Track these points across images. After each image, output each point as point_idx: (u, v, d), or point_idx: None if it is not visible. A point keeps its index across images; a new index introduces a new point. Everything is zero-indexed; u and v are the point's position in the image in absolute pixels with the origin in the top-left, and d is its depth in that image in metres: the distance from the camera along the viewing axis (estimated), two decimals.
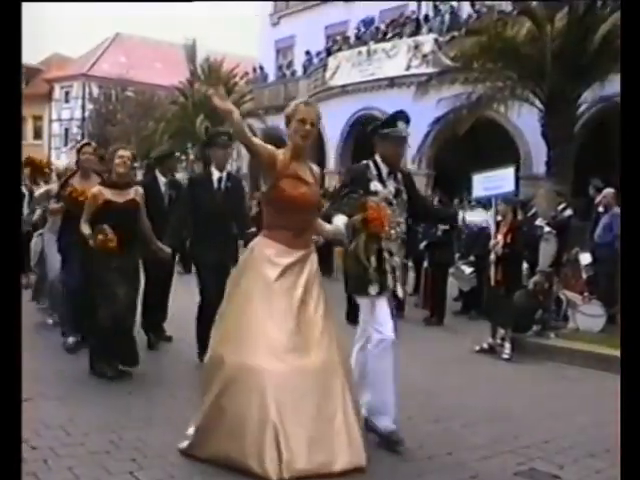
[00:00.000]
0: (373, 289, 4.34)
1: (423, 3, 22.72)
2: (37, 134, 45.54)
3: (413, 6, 23.24)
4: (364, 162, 4.67)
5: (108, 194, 5.81)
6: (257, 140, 4.09)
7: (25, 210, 11.66)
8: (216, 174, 6.39)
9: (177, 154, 8.91)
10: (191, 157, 27.78)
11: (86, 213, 5.80)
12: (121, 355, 5.85)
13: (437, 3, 21.73)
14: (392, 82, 20.42)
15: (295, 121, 4.05)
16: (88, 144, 7.27)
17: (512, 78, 13.35)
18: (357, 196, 4.30)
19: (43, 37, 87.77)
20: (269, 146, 4.08)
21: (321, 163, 24.61)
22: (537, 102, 13.31)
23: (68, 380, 5.65)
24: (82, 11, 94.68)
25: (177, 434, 4.40)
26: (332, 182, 20.27)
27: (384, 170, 4.59)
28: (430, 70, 16.74)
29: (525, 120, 15.48)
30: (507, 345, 7.71)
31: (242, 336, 3.84)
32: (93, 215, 5.79)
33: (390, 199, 4.52)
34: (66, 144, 40.43)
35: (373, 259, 4.27)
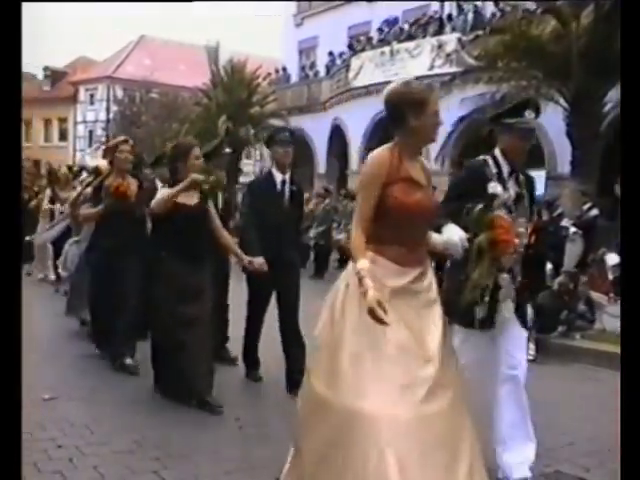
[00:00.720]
0: (484, 323, 3.83)
1: (446, 2, 22.59)
2: (62, 136, 46.03)
3: (436, 6, 23.12)
4: (481, 157, 4.01)
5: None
6: None
7: (43, 226, 11.37)
8: (279, 176, 5.69)
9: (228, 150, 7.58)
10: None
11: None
12: (198, 386, 5.08)
13: (461, 2, 21.60)
14: None
15: (430, 111, 3.34)
16: (125, 141, 6.48)
17: (537, 77, 13.23)
18: (479, 208, 3.61)
19: (68, 40, 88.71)
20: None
21: (344, 164, 24.60)
22: (562, 101, 13.18)
23: (93, 380, 5.69)
24: (106, 12, 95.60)
25: (201, 433, 4.43)
26: (354, 184, 20.22)
27: (505, 168, 3.96)
28: (453, 70, 16.64)
29: (549, 119, 15.28)
30: (531, 346, 7.63)
31: (351, 375, 3.05)
32: (160, 222, 5.23)
33: (510, 204, 3.92)
34: (90, 145, 40.79)
35: (490, 286, 3.71)
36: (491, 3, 19.78)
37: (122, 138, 6.69)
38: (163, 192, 5.21)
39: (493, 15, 19.34)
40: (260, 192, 5.77)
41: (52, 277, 11.06)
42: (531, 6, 14.50)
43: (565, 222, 8.69)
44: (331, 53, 28.00)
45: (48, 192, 10.30)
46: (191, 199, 5.19)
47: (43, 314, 8.58)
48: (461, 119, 15.28)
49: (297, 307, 5.62)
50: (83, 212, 6.48)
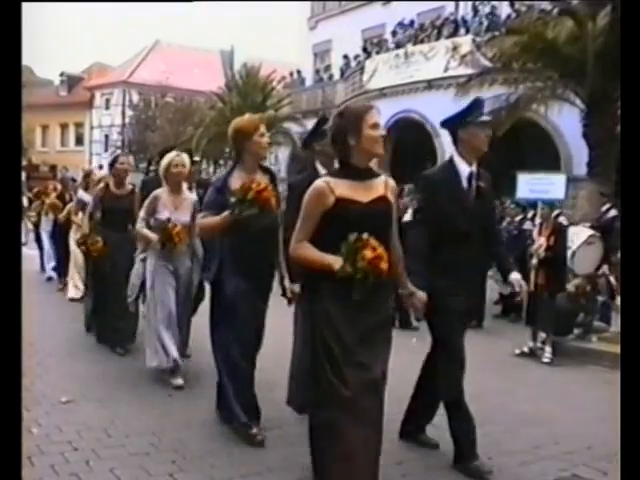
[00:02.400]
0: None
1: (461, 4, 22.53)
2: (78, 140, 46.32)
3: (451, 8, 23.07)
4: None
5: (344, 189, 3.33)
6: None
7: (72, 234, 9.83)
8: (465, 169, 4.23)
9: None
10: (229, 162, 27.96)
11: (306, 226, 3.38)
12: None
13: (476, 4, 21.53)
14: (430, 84, 20.30)
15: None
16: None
17: (553, 78, 13.15)
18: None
19: (85, 45, 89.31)
20: None
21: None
22: (578, 102, 13.09)
23: (109, 382, 5.71)
24: (121, 17, 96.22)
25: (216, 436, 4.44)
26: None
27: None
28: (469, 71, 16.59)
29: (566, 120, 15.25)
30: (548, 349, 7.60)
31: None
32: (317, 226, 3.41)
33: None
34: (106, 150, 41.01)
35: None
36: (507, 4, 19.70)
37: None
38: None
39: (508, 16, 19.26)
40: (442, 189, 4.25)
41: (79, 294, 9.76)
42: (547, 7, 14.42)
43: (582, 225, 8.64)
44: (345, 56, 28.01)
45: (82, 195, 9.06)
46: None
47: (59, 317, 8.62)
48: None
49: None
50: (203, 222, 4.54)
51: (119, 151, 36.08)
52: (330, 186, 3.32)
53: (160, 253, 5.73)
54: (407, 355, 4.57)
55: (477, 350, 8.06)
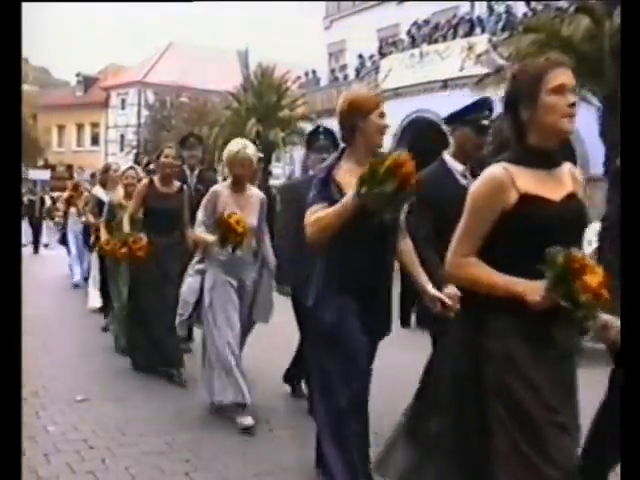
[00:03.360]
0: None
1: (477, 3, 22.43)
2: (94, 140, 46.61)
3: (466, 7, 22.98)
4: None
5: (528, 181, 2.41)
6: None
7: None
8: (458, 167, 4.01)
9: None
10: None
11: (474, 233, 2.48)
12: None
13: (492, 3, 21.42)
14: (446, 84, 20.23)
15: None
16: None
17: None
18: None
19: (100, 46, 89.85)
20: None
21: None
22: (595, 101, 13.00)
23: (125, 381, 5.73)
24: (137, 18, 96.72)
25: (230, 436, 4.44)
26: None
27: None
28: (484, 71, 16.51)
29: (582, 120, 14.96)
30: None
31: None
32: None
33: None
34: (122, 150, 41.25)
35: None
36: (522, 3, 19.60)
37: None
38: None
39: (525, 15, 19.16)
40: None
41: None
42: (563, 5, 14.32)
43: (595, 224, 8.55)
44: (360, 56, 27.98)
45: (98, 193, 8.27)
46: None
47: (76, 315, 8.66)
48: (492, 120, 15.15)
49: None
50: (315, 218, 3.27)
51: (134, 150, 36.37)
52: (511, 176, 2.36)
53: (222, 264, 4.85)
54: None
55: None
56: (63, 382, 5.65)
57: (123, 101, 44.28)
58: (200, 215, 4.94)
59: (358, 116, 3.34)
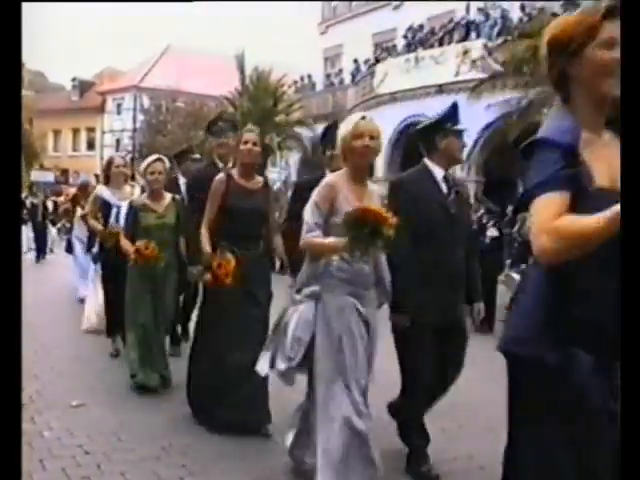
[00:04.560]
0: None
1: (472, 9, 22.50)
2: (90, 145, 46.56)
3: (462, 12, 23.06)
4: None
5: None
6: None
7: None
8: (438, 172, 4.13)
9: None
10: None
11: None
12: None
13: (487, 7, 21.47)
14: (441, 88, 20.29)
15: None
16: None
17: None
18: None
19: (96, 50, 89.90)
20: None
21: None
22: None
23: (120, 386, 5.72)
24: (132, 22, 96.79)
25: (227, 441, 4.43)
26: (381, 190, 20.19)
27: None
28: (480, 76, 16.57)
29: None
30: None
31: None
32: None
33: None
34: None
35: None
36: (518, 8, 19.68)
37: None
38: None
39: (520, 20, 19.24)
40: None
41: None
42: (558, 10, 14.39)
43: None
44: (356, 60, 28.05)
45: (102, 192, 6.95)
46: None
47: (71, 320, 8.65)
48: (487, 126, 15.21)
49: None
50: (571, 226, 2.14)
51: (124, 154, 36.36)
52: None
53: (346, 282, 3.56)
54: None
55: (487, 355, 8.06)
56: (59, 387, 5.64)
57: (119, 106, 44.26)
58: (312, 216, 3.58)
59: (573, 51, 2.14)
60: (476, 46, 19.54)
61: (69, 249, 11.92)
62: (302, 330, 3.58)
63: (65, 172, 38.74)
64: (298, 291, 3.68)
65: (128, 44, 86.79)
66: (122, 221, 6.38)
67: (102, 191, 6.99)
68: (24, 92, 47.72)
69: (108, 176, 7.02)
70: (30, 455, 4.05)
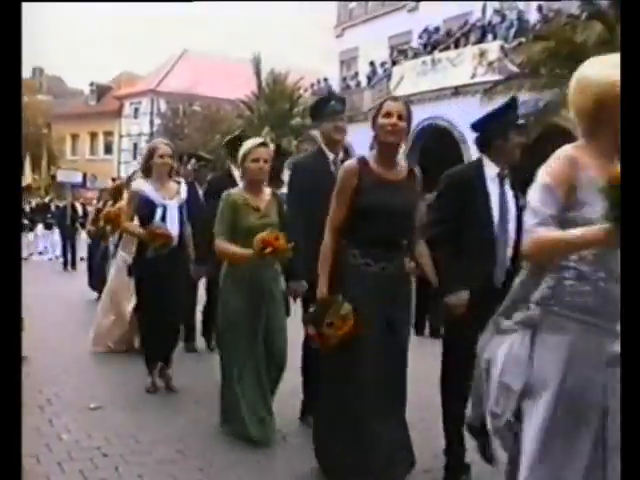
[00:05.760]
0: None
1: (488, 10, 22.40)
2: (107, 149, 46.87)
3: (478, 14, 22.97)
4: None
5: None
6: None
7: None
8: (493, 171, 3.83)
9: None
10: None
11: None
12: None
13: (503, 6, 21.35)
14: (457, 91, 20.22)
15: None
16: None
17: None
18: None
19: (113, 55, 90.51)
20: None
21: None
22: None
23: (137, 389, 5.73)
24: (148, 25, 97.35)
25: (244, 445, 4.43)
26: None
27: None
28: (496, 77, 16.49)
29: None
30: None
31: None
32: None
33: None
34: (135, 158, 41.40)
35: None
36: (534, 10, 19.57)
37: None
38: None
39: (537, 22, 19.14)
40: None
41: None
42: (575, 11, 14.30)
43: None
44: (372, 63, 28.01)
45: (142, 187, 5.61)
46: None
47: (87, 322, 8.69)
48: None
49: None
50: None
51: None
52: None
53: (586, 314, 2.38)
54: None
55: None
56: (76, 390, 5.66)
57: (136, 110, 44.51)
58: (545, 204, 2.39)
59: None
60: (492, 48, 19.45)
61: (92, 256, 11.34)
62: (511, 375, 2.47)
63: (83, 176, 38.95)
64: (506, 315, 2.56)
65: (143, 46, 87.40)
66: (172, 224, 5.53)
67: (142, 187, 5.62)
68: (43, 97, 48.27)
69: (149, 167, 5.65)
70: (48, 457, 4.08)
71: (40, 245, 20.54)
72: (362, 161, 3.70)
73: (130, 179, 9.88)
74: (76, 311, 10.10)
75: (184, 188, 5.82)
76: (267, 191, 4.66)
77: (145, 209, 5.54)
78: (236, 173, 5.65)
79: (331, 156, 4.64)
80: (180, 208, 5.68)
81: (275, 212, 4.60)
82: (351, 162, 3.75)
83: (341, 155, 4.65)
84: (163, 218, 5.49)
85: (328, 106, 4.67)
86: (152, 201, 5.52)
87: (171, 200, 5.59)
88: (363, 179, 3.64)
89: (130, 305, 6.81)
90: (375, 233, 3.61)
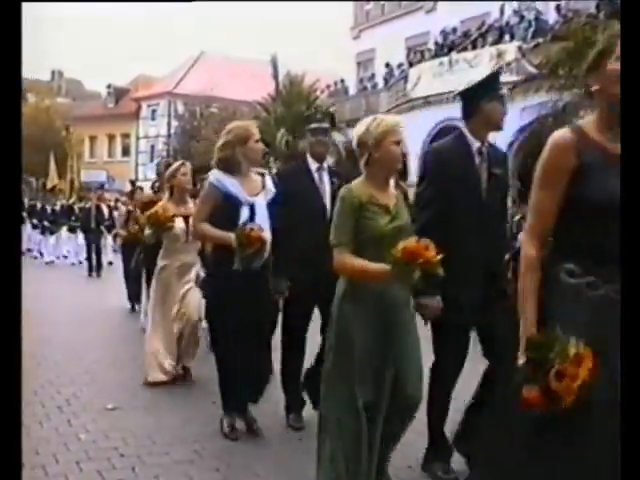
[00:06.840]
0: None
1: (506, 11, 22.31)
2: (125, 151, 47.10)
3: (495, 14, 22.88)
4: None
5: None
6: None
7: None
8: (476, 143, 3.88)
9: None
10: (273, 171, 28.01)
11: None
12: None
13: (522, 9, 21.26)
14: None
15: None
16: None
17: None
18: None
19: (130, 58, 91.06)
20: None
21: (402, 176, 24.42)
22: None
23: (154, 390, 5.75)
24: (164, 29, 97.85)
25: (261, 445, 4.42)
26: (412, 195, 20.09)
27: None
28: (514, 79, 16.40)
29: None
30: None
31: None
32: None
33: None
34: (152, 160, 41.60)
35: None
36: (553, 9, 19.46)
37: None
38: None
39: (555, 22, 19.03)
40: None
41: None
42: (594, 11, 14.21)
43: None
44: (388, 64, 27.99)
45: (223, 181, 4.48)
46: None
47: (105, 324, 8.74)
48: (522, 129, 15.04)
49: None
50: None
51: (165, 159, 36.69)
52: None
53: None
54: None
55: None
56: (94, 391, 5.69)
57: (153, 112, 44.72)
58: None
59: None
60: (510, 48, 19.35)
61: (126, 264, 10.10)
62: None
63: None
64: None
65: (162, 47, 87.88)
66: (261, 224, 4.33)
67: (222, 179, 4.46)
68: (62, 100, 48.59)
69: (232, 157, 4.51)
70: (67, 457, 4.11)
71: (64, 249, 20.58)
72: (580, 131, 2.45)
73: (153, 185, 9.18)
74: (98, 316, 10.15)
75: (269, 180, 4.67)
76: (391, 183, 3.55)
77: (226, 209, 4.38)
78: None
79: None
80: (269, 206, 4.50)
81: (407, 212, 3.54)
82: (565, 133, 2.49)
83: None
84: (251, 220, 4.36)
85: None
86: (236, 197, 4.38)
87: (257, 196, 4.46)
88: (585, 160, 2.37)
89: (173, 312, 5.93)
90: (602, 239, 2.31)
